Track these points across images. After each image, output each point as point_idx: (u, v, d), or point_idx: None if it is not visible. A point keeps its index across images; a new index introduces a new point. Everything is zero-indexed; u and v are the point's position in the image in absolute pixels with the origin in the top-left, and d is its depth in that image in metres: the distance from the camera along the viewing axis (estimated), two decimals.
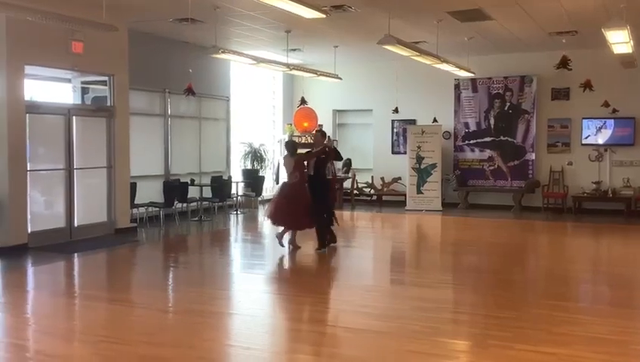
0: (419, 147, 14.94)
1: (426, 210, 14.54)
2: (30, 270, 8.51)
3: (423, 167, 14.92)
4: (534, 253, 10.32)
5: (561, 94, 14.29)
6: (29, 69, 9.15)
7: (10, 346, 5.26)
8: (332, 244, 9.54)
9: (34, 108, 9.29)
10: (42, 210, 9.76)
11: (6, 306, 6.65)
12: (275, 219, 9.35)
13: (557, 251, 10.36)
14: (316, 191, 9.31)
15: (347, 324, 5.75)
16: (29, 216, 9.25)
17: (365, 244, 11.32)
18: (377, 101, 15.85)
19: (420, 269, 8.95)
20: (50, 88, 11.05)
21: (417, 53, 10.81)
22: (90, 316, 6.21)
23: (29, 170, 9.21)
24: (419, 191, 14.93)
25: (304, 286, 7.91)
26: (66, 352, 5.06)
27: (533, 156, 14.52)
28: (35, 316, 6.30)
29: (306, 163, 9.38)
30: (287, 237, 9.50)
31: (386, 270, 9.11)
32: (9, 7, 7.51)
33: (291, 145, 9.60)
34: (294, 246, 9.43)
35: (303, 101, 15.25)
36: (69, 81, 11.00)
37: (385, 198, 15.69)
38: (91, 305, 6.63)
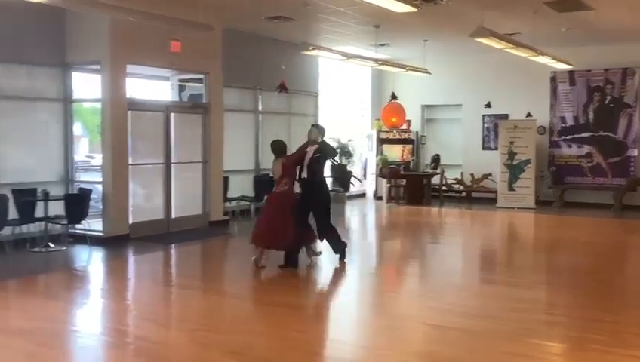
0: (511, 142, 14.47)
1: (518, 208, 14.08)
2: (131, 259, 8.98)
3: (515, 163, 14.45)
4: (635, 254, 9.77)
5: None
6: (130, 68, 9.62)
7: (113, 331, 5.59)
8: (290, 267, 7.64)
9: (135, 105, 9.77)
10: (142, 202, 10.25)
11: (108, 293, 7.07)
12: (263, 241, 7.60)
13: None
14: (314, 199, 7.69)
15: (438, 322, 5.67)
16: (130, 208, 9.74)
17: (454, 242, 11.11)
18: (467, 95, 15.50)
19: (512, 268, 8.69)
20: (149, 86, 11.59)
21: (512, 46, 10.48)
22: (186, 304, 6.48)
23: (130, 164, 9.70)
24: (510, 188, 14.48)
25: (393, 282, 7.90)
26: (164, 338, 5.31)
27: (635, 152, 13.73)
28: (135, 303, 6.64)
29: (298, 167, 7.76)
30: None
31: (477, 269, 8.91)
32: (113, 9, 7.94)
33: (277, 146, 7.85)
34: (258, 265, 7.61)
35: (394, 96, 15.15)
36: (167, 79, 11.51)
37: (474, 195, 15.34)
38: (187, 293, 6.92)
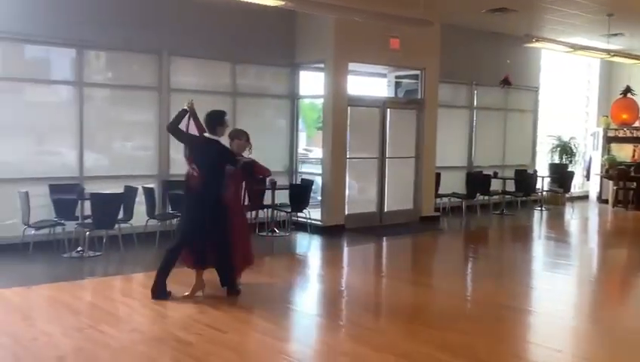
0: None
1: None
2: (345, 249, 9.43)
3: None
4: None
5: None
6: (351, 66, 10.06)
7: (328, 314, 5.95)
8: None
9: (354, 101, 10.19)
10: (357, 194, 10.68)
11: (325, 278, 7.53)
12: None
13: None
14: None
15: None
16: (346, 200, 10.22)
17: None
18: None
19: None
20: (367, 83, 12.00)
21: None
22: (397, 296, 6.64)
23: (348, 158, 10.16)
24: None
25: (613, 293, 7.26)
26: (375, 326, 5.52)
27: None
28: (349, 289, 6.97)
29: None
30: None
31: None
32: (338, 9, 8.38)
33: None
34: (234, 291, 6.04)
35: (628, 90, 13.81)
36: (385, 75, 11.81)
37: None
38: (398, 285, 7.08)
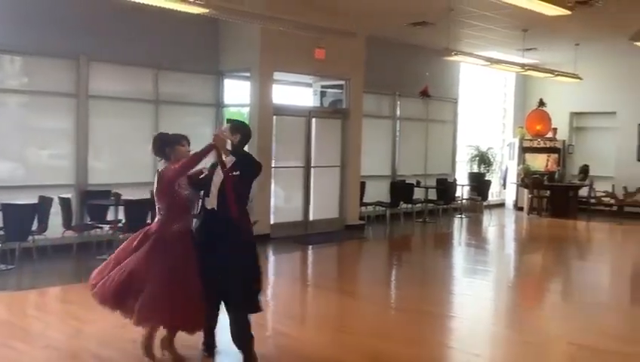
0: None
1: None
2: (271, 258, 9.37)
3: None
4: None
5: None
6: (276, 75, 10.06)
7: (254, 325, 5.88)
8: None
9: (280, 110, 10.19)
10: (283, 203, 10.66)
11: None
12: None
13: None
14: (224, 251, 4.36)
15: (582, 342, 5.36)
16: (272, 209, 10.18)
17: (603, 259, 10.40)
18: (622, 103, 14.43)
19: None
20: (293, 92, 12.03)
21: None
22: (323, 304, 6.65)
23: (274, 167, 10.14)
24: None
25: (531, 297, 7.57)
26: (301, 335, 5.50)
27: None
28: (275, 300, 6.93)
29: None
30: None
31: (626, 288, 8.28)
32: (264, 19, 8.37)
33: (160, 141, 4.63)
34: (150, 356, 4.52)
35: (541, 103, 14.52)
36: (310, 85, 11.89)
37: (627, 210, 14.22)
38: (323, 294, 7.11)
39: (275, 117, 10.02)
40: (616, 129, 14.85)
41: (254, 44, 9.71)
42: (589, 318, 6.24)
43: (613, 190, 14.50)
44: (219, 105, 10.43)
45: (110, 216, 8.52)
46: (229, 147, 4.50)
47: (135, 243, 4.42)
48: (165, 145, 4.55)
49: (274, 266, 8.93)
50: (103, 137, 9.06)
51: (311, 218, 10.83)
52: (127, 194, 8.38)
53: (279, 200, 10.55)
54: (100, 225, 8.53)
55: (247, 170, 4.49)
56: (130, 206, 8.06)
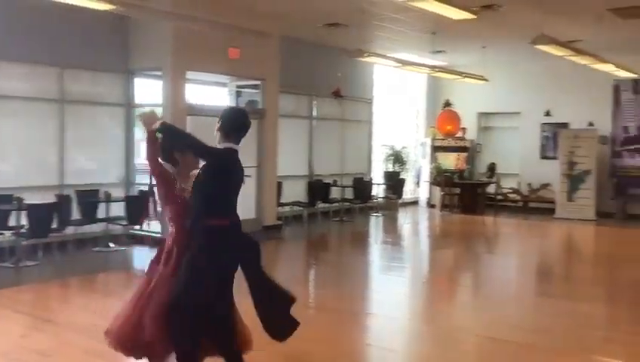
0: (571, 152, 14.09)
1: (578, 219, 13.68)
2: None
3: (575, 173, 14.06)
4: None
5: None
6: (189, 74, 9.86)
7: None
8: None
9: (194, 110, 9.99)
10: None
11: None
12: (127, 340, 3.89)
13: None
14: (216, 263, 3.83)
15: (491, 334, 5.58)
16: None
17: (509, 253, 10.89)
18: (526, 103, 15.18)
19: (569, 282, 8.46)
20: (208, 92, 11.85)
21: (573, 53, 10.23)
22: (239, 307, 6.55)
23: None
24: (570, 199, 14.09)
25: (443, 292, 7.81)
26: None
27: None
28: None
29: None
30: None
31: (533, 281, 8.71)
32: (175, 17, 8.19)
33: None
34: None
35: (448, 104, 15.02)
36: (225, 85, 11.74)
37: (532, 205, 14.99)
38: (240, 296, 7.01)
39: (189, 117, 9.81)
40: (520, 128, 15.60)
41: (165, 43, 9.47)
42: (496, 310, 6.50)
43: (519, 187, 15.25)
44: (129, 105, 10.10)
45: (12, 222, 8.07)
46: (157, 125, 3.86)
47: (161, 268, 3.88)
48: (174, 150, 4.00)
49: None
50: (6, 138, 8.57)
51: (261, 214, 10.69)
52: (32, 198, 7.99)
53: None
54: (2, 231, 8.08)
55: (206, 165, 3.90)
56: (34, 210, 7.67)
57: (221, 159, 3.87)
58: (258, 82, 11.17)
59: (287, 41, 11.43)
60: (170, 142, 3.98)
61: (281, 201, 11.86)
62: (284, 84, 11.55)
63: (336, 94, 13.16)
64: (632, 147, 13.98)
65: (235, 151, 3.90)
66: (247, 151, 11.16)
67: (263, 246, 4.14)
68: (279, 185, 11.72)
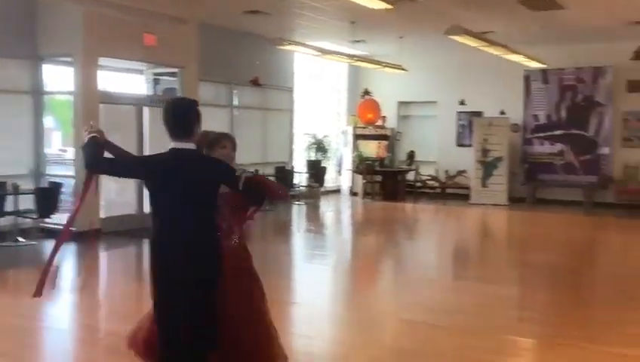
0: (485, 140, 14.63)
1: (491, 204, 14.24)
2: (103, 254, 8.88)
3: (489, 160, 14.61)
4: (605, 252, 9.95)
5: (638, 86, 13.66)
6: (103, 61, 9.48)
7: (84, 327, 5.52)
8: None
9: (107, 98, 9.63)
10: (115, 196, 10.13)
11: (79, 288, 6.98)
12: None
13: (629, 249, 9.95)
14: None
15: (410, 318, 5.72)
16: (102, 203, 9.62)
17: (428, 238, 11.21)
18: (442, 93, 15.61)
19: (484, 265, 8.80)
20: (124, 80, 11.44)
21: (486, 44, 10.58)
22: None
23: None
24: (484, 185, 14.64)
25: (365, 278, 7.93)
26: None
27: (607, 150, 13.96)
28: (107, 298, 6.56)
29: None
30: None
31: (449, 264, 9.00)
32: (86, 0, 7.83)
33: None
34: None
35: (366, 92, 15.20)
36: (142, 72, 11.38)
37: (449, 191, 15.47)
38: None
39: (102, 105, 9.45)
40: (437, 117, 16.02)
41: (76, 27, 9.06)
42: (416, 294, 6.66)
43: (437, 174, 15.69)
44: (38, 92, 9.60)
45: None
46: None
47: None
48: (202, 146, 3.59)
49: (105, 263, 8.47)
50: None
51: (145, 210, 10.40)
52: None
53: (111, 194, 10.00)
54: None
55: None
56: None
57: None
58: (176, 70, 10.90)
59: (207, 29, 11.19)
60: None
61: None
62: (203, 72, 11.31)
63: (255, 83, 13.05)
64: (542, 134, 14.67)
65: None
66: (165, 140, 10.84)
67: None
68: None
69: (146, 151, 10.35)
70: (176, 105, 3.43)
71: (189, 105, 3.38)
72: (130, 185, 10.23)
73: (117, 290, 6.90)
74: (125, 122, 10.08)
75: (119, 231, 9.64)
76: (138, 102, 10.33)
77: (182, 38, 10.35)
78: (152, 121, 10.45)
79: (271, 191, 3.60)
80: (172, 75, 11.13)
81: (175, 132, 3.26)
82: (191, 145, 3.29)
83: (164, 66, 10.99)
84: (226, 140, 3.84)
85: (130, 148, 10.06)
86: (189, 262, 3.21)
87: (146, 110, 10.38)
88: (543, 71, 14.33)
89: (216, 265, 3.30)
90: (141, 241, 9.34)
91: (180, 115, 3.30)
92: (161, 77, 11.52)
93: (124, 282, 7.29)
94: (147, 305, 6.30)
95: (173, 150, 3.27)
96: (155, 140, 10.51)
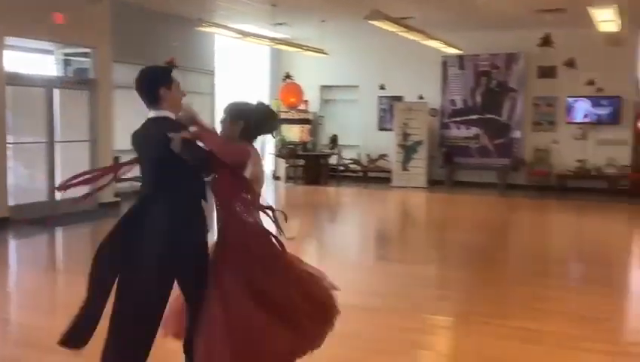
0: (405, 124, 14.91)
1: (412, 187, 14.56)
2: (12, 244, 8.43)
3: (409, 143, 14.91)
4: (518, 231, 10.40)
5: (547, 72, 14.29)
6: (9, 40, 8.94)
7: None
8: None
9: (14, 80, 9.10)
10: (25, 183, 9.63)
11: None
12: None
13: (540, 229, 10.45)
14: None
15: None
16: (10, 189, 9.12)
17: (350, 221, 11.33)
18: (364, 77, 15.76)
19: (405, 246, 8.99)
20: (32, 60, 10.83)
21: (404, 29, 10.73)
22: (75, 291, 6.14)
23: (10, 143, 9.05)
24: (404, 168, 14.94)
25: None
26: (49, 324, 5.01)
27: (518, 134, 14.55)
28: (18, 290, 6.23)
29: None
30: None
31: (371, 247, 9.13)
32: None
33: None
34: None
35: (288, 76, 15.12)
36: (52, 52, 10.80)
37: (370, 175, 15.69)
38: (75, 279, 6.55)
39: (8, 87, 8.92)
40: (359, 101, 16.18)
41: None
42: (339, 277, 6.68)
43: (359, 157, 15.87)
44: None
45: None
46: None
47: None
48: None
49: (14, 253, 8.04)
50: None
51: (58, 197, 9.93)
52: None
53: (20, 180, 9.49)
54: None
55: None
56: None
57: None
58: (88, 50, 10.42)
59: (122, 7, 10.76)
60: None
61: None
62: (119, 52, 10.87)
63: (170, 64, 12.67)
64: (459, 119, 15.11)
65: None
66: (78, 124, 10.45)
67: (100, 225, 3.85)
68: (116, 160, 11.08)
69: (57, 137, 9.90)
70: (140, 75, 3.40)
71: (148, 72, 3.39)
72: (41, 170, 9.75)
73: (27, 281, 6.56)
74: (35, 104, 9.56)
75: (30, 219, 9.16)
76: (48, 84, 9.81)
77: (94, 17, 9.92)
78: (62, 103, 9.97)
79: (211, 143, 3.24)
80: (84, 55, 10.63)
81: (144, 101, 3.35)
82: (164, 113, 3.28)
83: (75, 46, 10.49)
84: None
85: (40, 130, 9.66)
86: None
87: (56, 92, 9.88)
88: (460, 57, 14.72)
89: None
90: (53, 230, 8.94)
91: (142, 83, 3.33)
92: (72, 57, 10.98)
93: (35, 272, 6.94)
94: (59, 295, 6.05)
95: (147, 120, 3.34)
96: (67, 121, 10.07)
